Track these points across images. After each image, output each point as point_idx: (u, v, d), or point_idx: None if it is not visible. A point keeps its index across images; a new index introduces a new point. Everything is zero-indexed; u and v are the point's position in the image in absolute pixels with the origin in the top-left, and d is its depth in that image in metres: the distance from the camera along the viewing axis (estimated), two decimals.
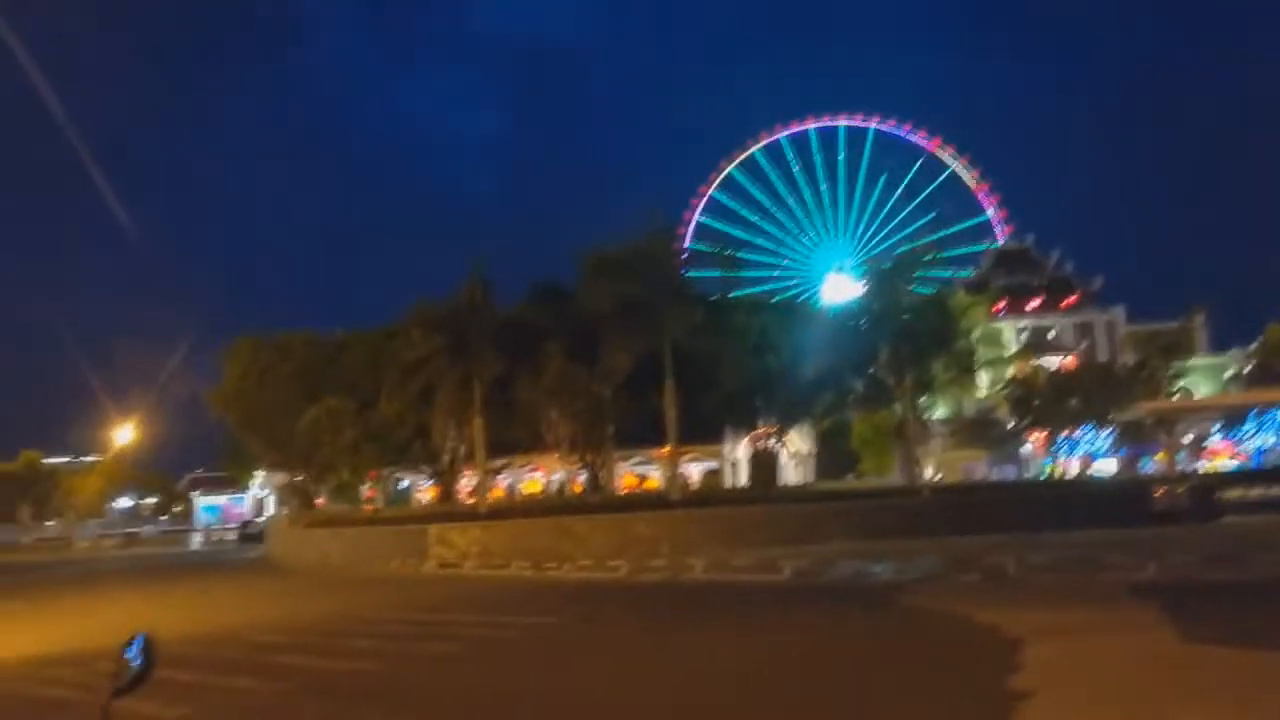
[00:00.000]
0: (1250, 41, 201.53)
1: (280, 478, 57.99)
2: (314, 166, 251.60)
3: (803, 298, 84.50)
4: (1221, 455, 54.50)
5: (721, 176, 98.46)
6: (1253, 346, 68.31)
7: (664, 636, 14.08)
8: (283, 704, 10.15)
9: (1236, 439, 53.96)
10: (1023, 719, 7.93)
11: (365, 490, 52.34)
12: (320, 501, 53.37)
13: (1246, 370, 68.33)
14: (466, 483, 51.99)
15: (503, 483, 60.96)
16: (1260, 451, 52.26)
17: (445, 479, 45.89)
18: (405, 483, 61.69)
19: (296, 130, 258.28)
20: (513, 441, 44.25)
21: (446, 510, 38.73)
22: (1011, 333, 75.83)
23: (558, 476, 52.23)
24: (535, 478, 59.93)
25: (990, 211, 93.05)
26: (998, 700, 8.53)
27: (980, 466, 61.61)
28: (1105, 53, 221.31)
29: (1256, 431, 52.63)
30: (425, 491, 56.91)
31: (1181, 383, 65.01)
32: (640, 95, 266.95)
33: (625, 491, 50.48)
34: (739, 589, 19.84)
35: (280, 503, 63.57)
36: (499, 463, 53.05)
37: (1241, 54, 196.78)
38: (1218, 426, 54.89)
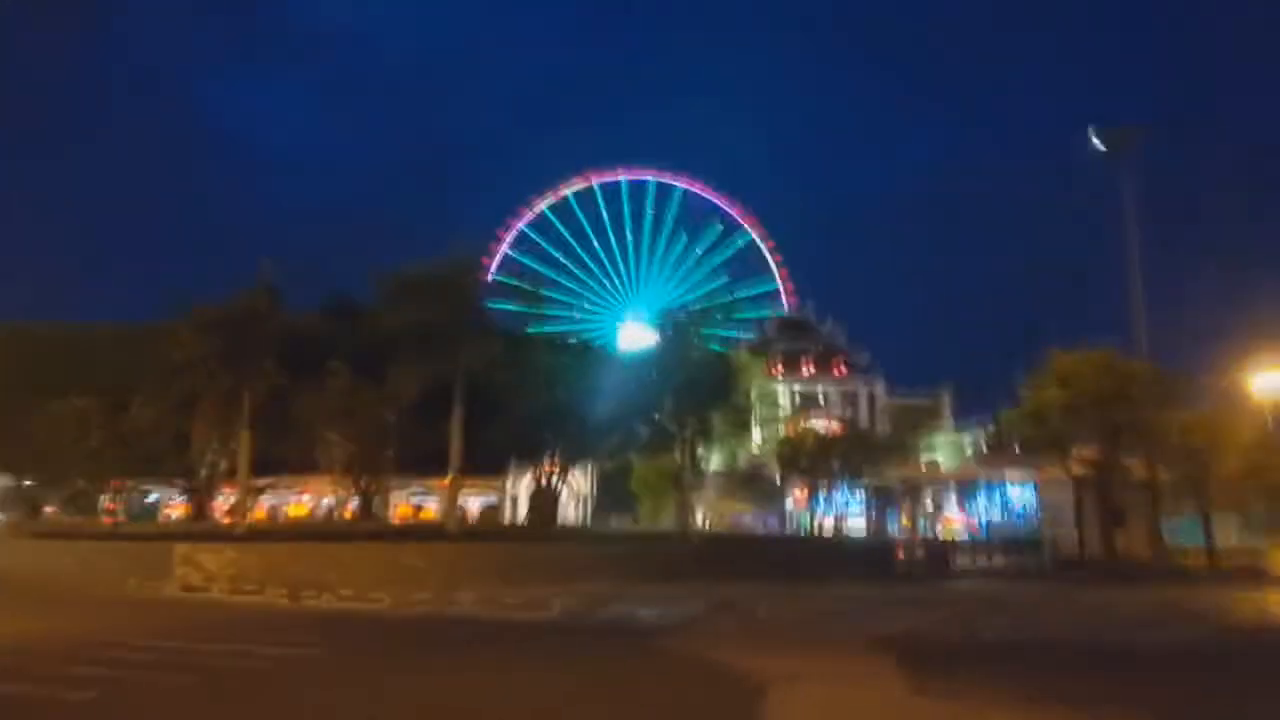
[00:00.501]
0: (1028, 137, 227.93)
1: (4, 480, 51.50)
2: (104, 161, 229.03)
3: (599, 341, 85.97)
4: (955, 523, 60.21)
5: (533, 213, 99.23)
6: (989, 427, 76.35)
7: (413, 672, 13.67)
8: None
9: (969, 509, 59.85)
10: None
11: (105, 502, 47.39)
12: (50, 510, 47.83)
13: (984, 447, 76.15)
14: (224, 501, 48.41)
15: (266, 504, 57.23)
16: (988, 523, 58.18)
17: (200, 495, 42.43)
18: (153, 496, 56.55)
19: (86, 122, 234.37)
20: (282, 460, 41.69)
21: (198, 529, 35.82)
22: (785, 393, 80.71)
23: (328, 501, 49.70)
24: (303, 501, 56.71)
25: (778, 281, 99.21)
26: None
27: (747, 517, 64.64)
28: (898, 147, 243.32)
29: (987, 503, 58.67)
30: (175, 508, 52.39)
31: (928, 455, 71.49)
32: (458, 121, 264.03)
33: (399, 521, 48.79)
34: (507, 625, 19.63)
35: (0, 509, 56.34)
36: (264, 481, 49.79)
37: (1019, 148, 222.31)
38: (954, 496, 60.69)
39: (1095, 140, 43.37)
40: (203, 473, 40.04)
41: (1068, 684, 12.92)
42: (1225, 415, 38.23)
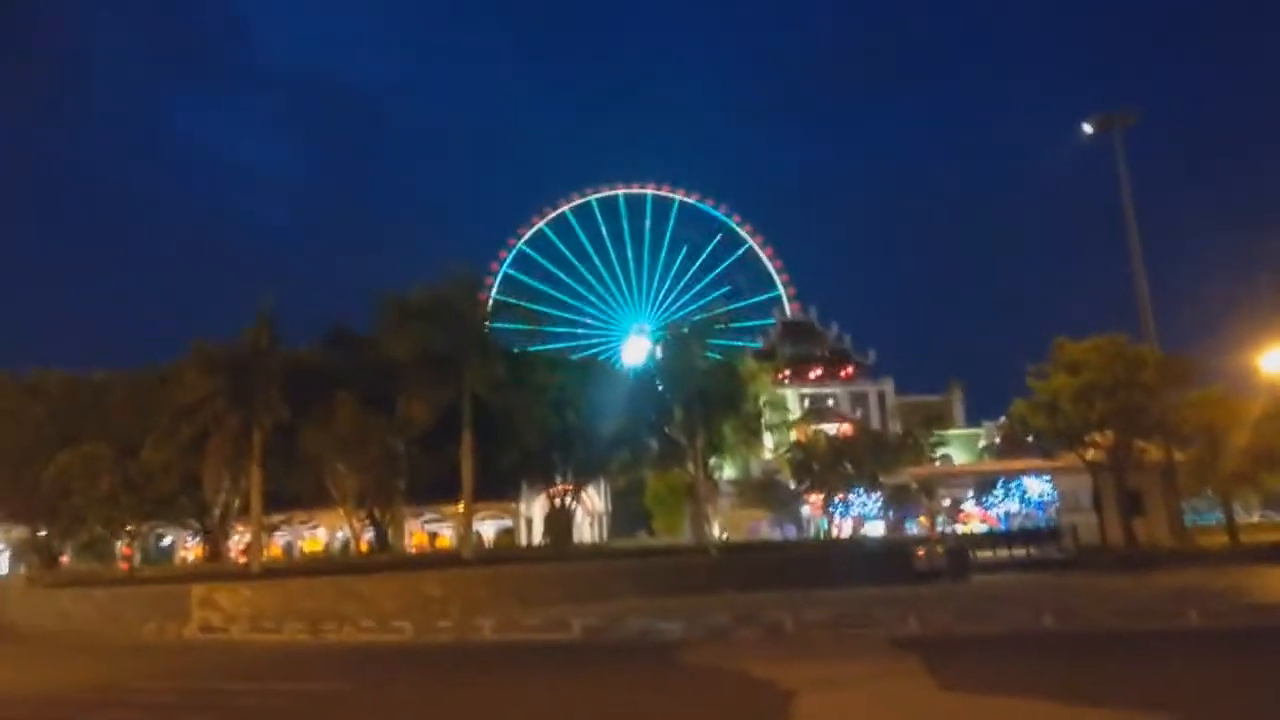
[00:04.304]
0: (1031, 131, 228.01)
1: (19, 532, 51.56)
2: (89, 198, 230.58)
3: (603, 356, 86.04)
4: (973, 519, 59.84)
5: (531, 231, 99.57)
6: (1001, 420, 76.04)
7: (446, 700, 13.58)
8: None
9: (987, 504, 59.49)
10: None
11: (120, 547, 47.40)
12: (65, 560, 47.87)
13: (997, 441, 75.83)
14: (238, 540, 48.40)
15: (280, 541, 57.22)
16: (1007, 516, 57.82)
17: (214, 535, 42.41)
18: (168, 539, 56.58)
19: (68, 158, 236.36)
20: (293, 496, 41.70)
21: (214, 569, 35.78)
22: (794, 399, 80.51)
23: (341, 534, 49.66)
24: (316, 535, 56.66)
25: (780, 288, 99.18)
26: None
27: (764, 525, 64.39)
28: (898, 160, 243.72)
29: (1004, 497, 58.30)
30: (191, 549, 52.40)
31: (941, 451, 71.17)
32: (449, 142, 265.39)
33: (415, 550, 48.71)
34: (528, 648, 19.53)
35: (16, 561, 56.37)
36: (277, 518, 49.80)
37: (1022, 144, 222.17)
38: (971, 492, 60.34)
39: (1086, 127, 43.29)
40: (216, 512, 40.02)
41: (1092, 674, 12.78)
42: (1237, 393, 37.99)
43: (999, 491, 58.09)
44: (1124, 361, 36.39)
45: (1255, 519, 41.51)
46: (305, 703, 13.65)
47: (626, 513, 58.60)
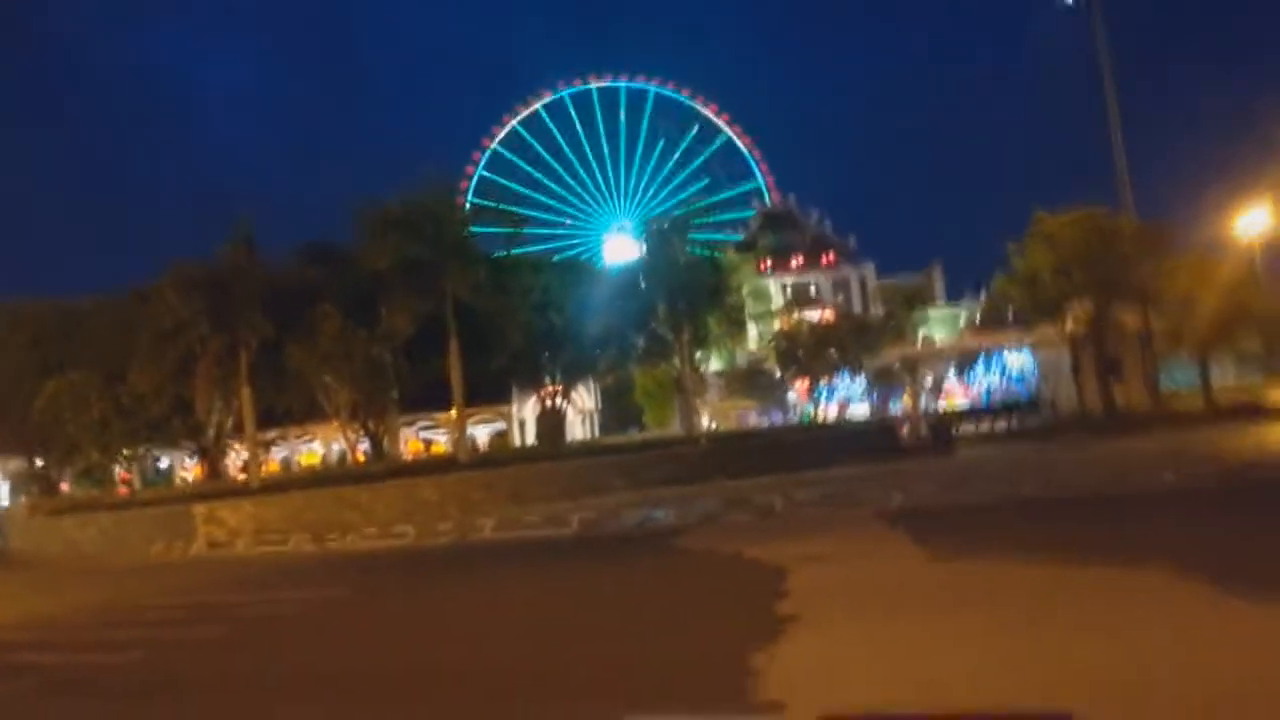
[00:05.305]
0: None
1: (17, 463, 51.95)
2: (57, 123, 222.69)
3: (585, 256, 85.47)
4: (956, 395, 61.00)
5: (505, 131, 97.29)
6: (982, 297, 76.56)
7: (453, 595, 14.07)
8: (16, 707, 9.05)
9: (969, 380, 60.55)
10: (790, 635, 8.72)
11: (119, 472, 47.91)
12: (65, 487, 48.39)
13: (978, 318, 76.57)
14: (236, 458, 48.93)
15: (277, 456, 57.89)
16: (989, 391, 58.96)
17: (211, 455, 42.86)
18: (166, 462, 57.11)
19: (35, 83, 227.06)
20: (286, 411, 41.98)
21: (214, 488, 36.28)
22: (777, 289, 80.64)
23: (337, 446, 50.27)
24: (313, 449, 57.32)
25: (760, 177, 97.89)
26: (769, 619, 9.36)
27: (752, 414, 65.45)
28: (869, 37, 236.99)
29: (985, 373, 59.33)
30: (189, 470, 52.98)
31: (923, 330, 71.90)
32: (418, 43, 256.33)
33: (411, 457, 49.41)
34: (528, 544, 20.10)
35: (16, 491, 56.97)
36: (271, 434, 50.27)
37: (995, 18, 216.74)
38: (953, 369, 61.31)
39: None
40: (210, 433, 40.35)
41: (1073, 536, 13.32)
42: (1212, 258, 38.36)
43: (980, 367, 59.05)
44: (1100, 233, 36.60)
45: (1230, 381, 42.49)
46: (313, 609, 14.12)
47: (617, 410, 59.40)
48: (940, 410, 53.59)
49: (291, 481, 38.63)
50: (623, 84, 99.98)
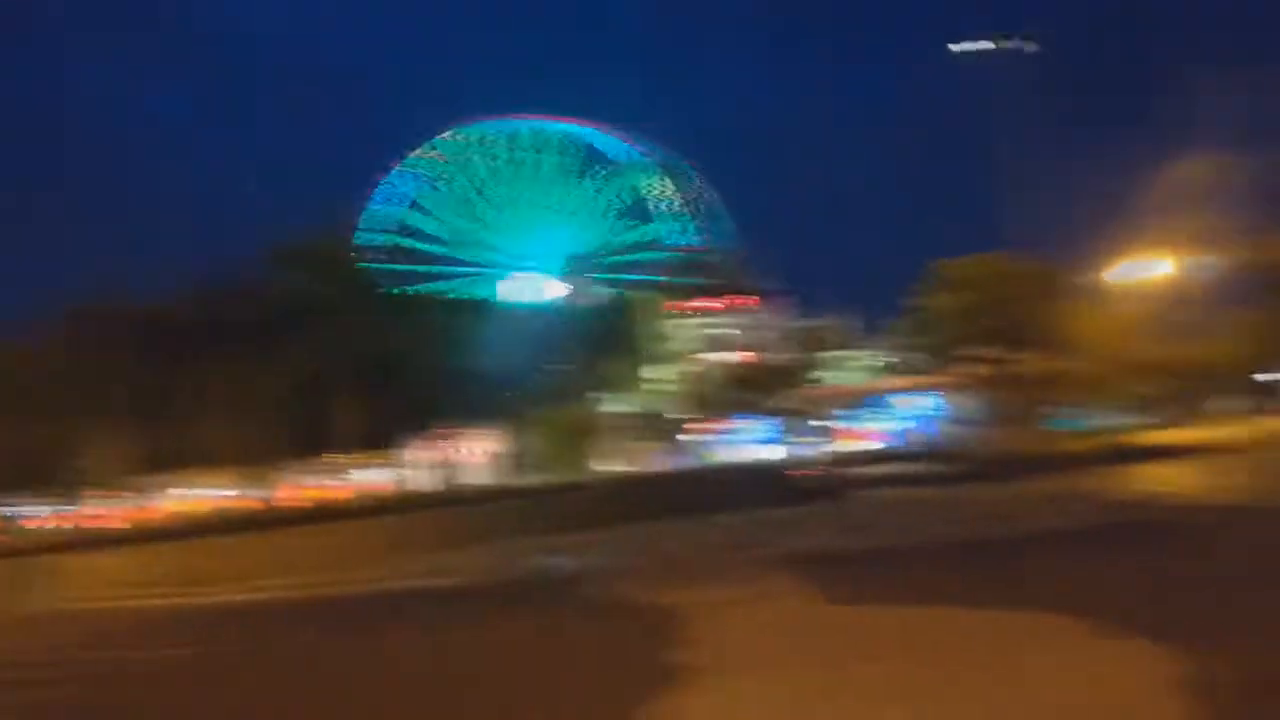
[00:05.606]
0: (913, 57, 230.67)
1: None
2: None
3: (488, 295, 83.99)
4: (859, 436, 61.66)
5: (406, 167, 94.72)
6: (890, 340, 77.90)
7: (289, 661, 12.93)
8: None
9: (872, 422, 61.42)
10: (686, 687, 8.32)
11: None
12: None
13: (886, 360, 77.91)
14: (105, 504, 45.98)
15: (157, 501, 54.70)
16: (890, 434, 59.77)
17: (75, 501, 40.05)
18: (24, 510, 53.24)
19: None
20: (172, 455, 39.72)
21: (77, 537, 33.83)
22: (691, 330, 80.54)
23: (223, 492, 47.76)
24: (197, 495, 54.33)
25: (678, 218, 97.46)
26: (663, 671, 8.98)
27: (658, 456, 64.75)
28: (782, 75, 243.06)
29: (887, 414, 60.32)
30: (48, 520, 49.48)
31: (835, 375, 72.79)
32: (329, 76, 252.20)
33: (301, 503, 47.23)
34: (415, 595, 18.96)
35: None
36: (156, 479, 47.52)
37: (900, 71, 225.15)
38: (857, 411, 62.17)
39: (954, 49, 44.05)
40: (76, 478, 37.78)
41: (962, 579, 13.15)
42: (1098, 304, 39.83)
43: (882, 409, 60.01)
44: (1003, 278, 37.71)
45: (1127, 420, 43.96)
46: (156, 669, 12.87)
47: (520, 451, 58.13)
48: (842, 452, 54.06)
49: (172, 529, 36.37)
50: (526, 121, 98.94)
